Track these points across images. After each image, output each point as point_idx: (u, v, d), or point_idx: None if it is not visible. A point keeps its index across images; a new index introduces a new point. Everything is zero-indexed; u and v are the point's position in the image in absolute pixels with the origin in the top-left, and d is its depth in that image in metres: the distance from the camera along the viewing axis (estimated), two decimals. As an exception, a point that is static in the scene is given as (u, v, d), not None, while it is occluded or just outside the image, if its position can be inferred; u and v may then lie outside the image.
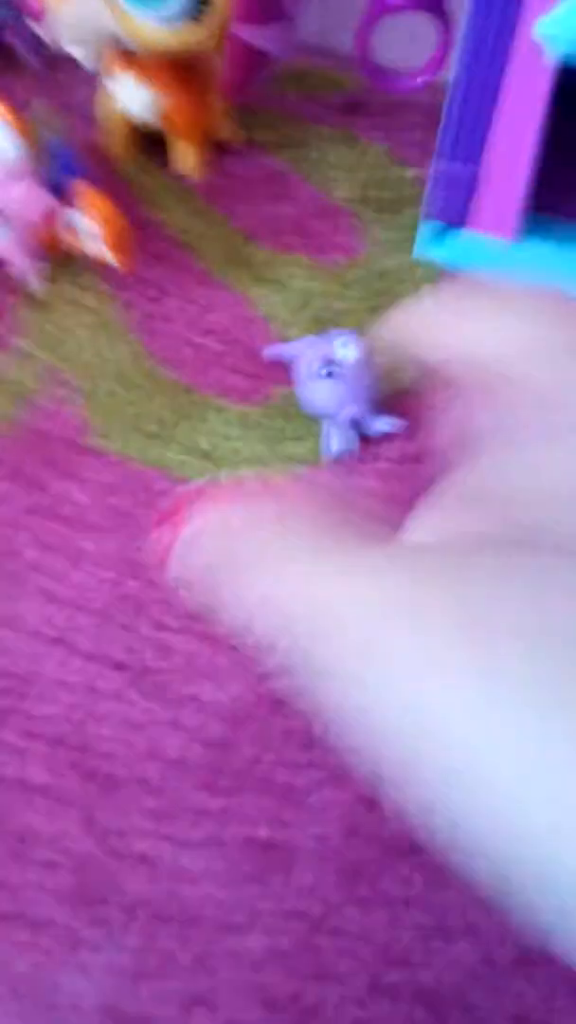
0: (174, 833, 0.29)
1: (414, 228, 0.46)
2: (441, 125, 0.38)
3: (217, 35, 0.38)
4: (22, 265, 0.41)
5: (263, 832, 0.29)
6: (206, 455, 0.38)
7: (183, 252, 0.45)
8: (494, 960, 0.28)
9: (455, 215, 0.42)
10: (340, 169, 0.51)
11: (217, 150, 0.49)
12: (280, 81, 0.53)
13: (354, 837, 0.29)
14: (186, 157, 0.48)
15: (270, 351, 0.40)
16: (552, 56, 0.33)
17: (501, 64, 0.34)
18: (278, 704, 0.31)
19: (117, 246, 0.41)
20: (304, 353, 0.37)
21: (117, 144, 0.49)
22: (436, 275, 0.45)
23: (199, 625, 0.33)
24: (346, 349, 0.35)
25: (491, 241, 0.44)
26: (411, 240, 0.46)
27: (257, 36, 0.38)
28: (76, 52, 0.41)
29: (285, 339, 0.42)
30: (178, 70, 0.42)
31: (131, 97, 0.44)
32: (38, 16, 0.38)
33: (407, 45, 0.45)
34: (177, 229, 0.46)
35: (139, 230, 0.46)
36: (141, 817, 0.29)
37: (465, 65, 0.35)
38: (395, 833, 0.29)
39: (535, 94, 0.35)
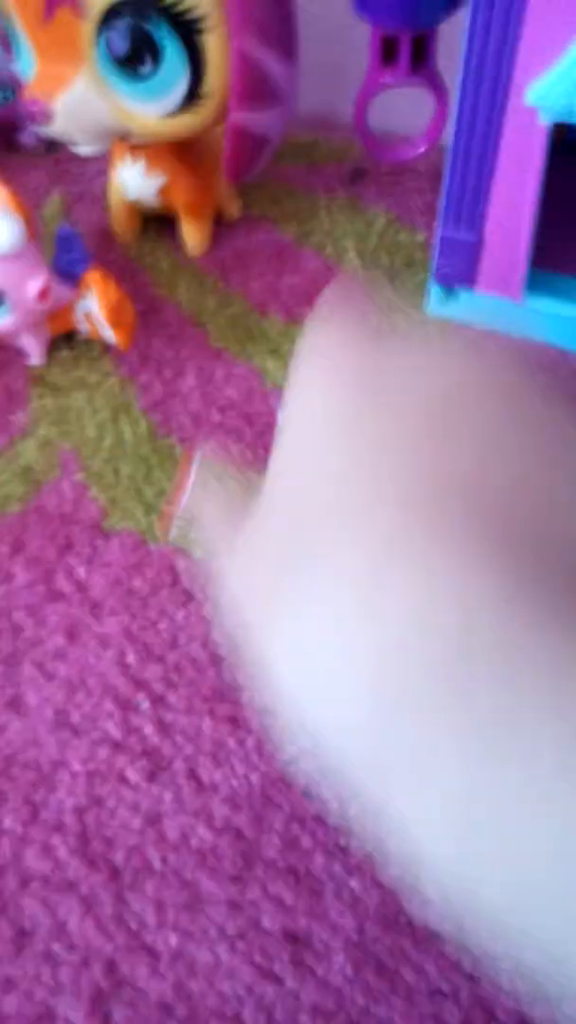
0: (183, 924, 0.28)
1: (424, 291, 0.46)
2: (441, 193, 0.39)
3: (213, 122, 0.39)
4: (26, 345, 0.42)
5: (275, 922, 0.28)
6: (224, 532, 0.38)
7: (196, 329, 0.46)
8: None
9: (461, 278, 0.43)
10: (348, 238, 0.51)
11: (225, 227, 0.50)
12: (284, 155, 0.54)
13: (377, 926, 0.28)
14: (194, 236, 0.49)
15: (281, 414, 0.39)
16: (544, 121, 0.33)
17: (494, 131, 0.35)
18: (287, 785, 0.31)
19: (120, 326, 0.41)
20: None
21: (126, 228, 0.50)
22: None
23: (206, 706, 0.33)
24: None
25: (498, 299, 0.44)
26: (421, 303, 0.47)
27: (253, 121, 0.39)
28: (79, 144, 0.43)
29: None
30: (179, 154, 0.44)
31: (136, 183, 0.45)
32: (40, 119, 0.40)
33: (406, 113, 0.45)
34: (189, 307, 0.47)
35: (152, 311, 0.47)
36: (148, 907, 0.28)
37: (459, 134, 0.35)
38: (421, 921, 0.28)
39: (530, 157, 0.35)
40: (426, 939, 0.28)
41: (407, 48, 0.41)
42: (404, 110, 0.45)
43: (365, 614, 0.14)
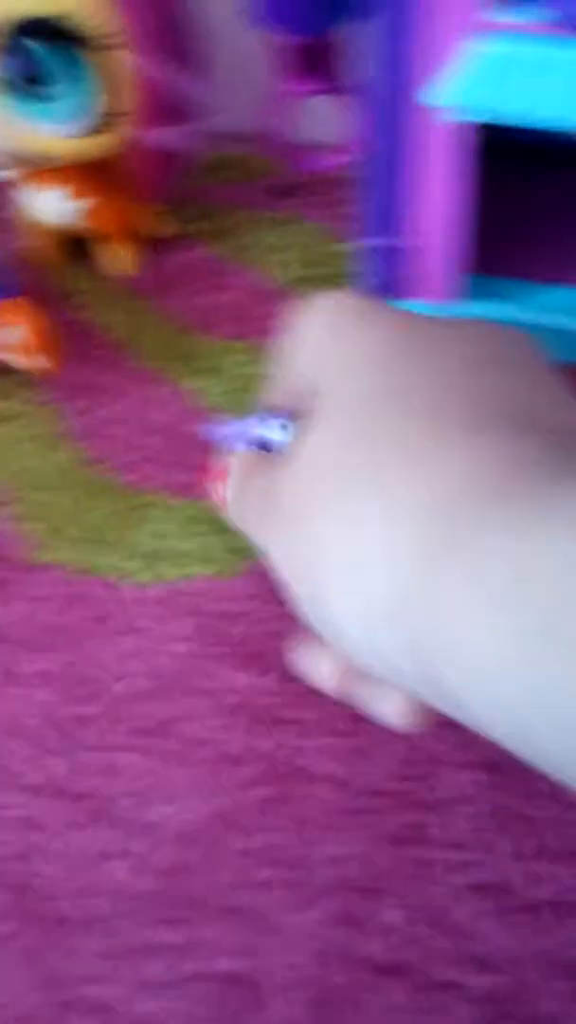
0: (128, 975, 0.26)
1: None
2: (360, 202, 0.38)
3: (123, 141, 0.39)
4: None
5: (226, 965, 0.27)
6: (154, 555, 0.37)
7: (122, 353, 0.45)
8: None
9: (391, 286, 0.42)
10: (276, 252, 0.51)
11: (148, 247, 0.50)
12: (207, 171, 0.54)
13: (328, 961, 0.27)
14: (116, 258, 0.48)
15: (203, 430, 0.37)
16: (447, 120, 0.33)
17: (403, 134, 0.34)
18: (235, 822, 0.29)
19: (49, 352, 0.40)
20: (235, 435, 0.33)
21: (44, 254, 0.49)
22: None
23: (146, 741, 0.31)
24: (284, 432, 0.32)
25: (434, 307, 0.43)
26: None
27: (167, 137, 0.38)
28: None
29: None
30: (93, 175, 0.43)
31: (50, 207, 0.44)
32: None
33: (326, 122, 0.45)
34: (115, 331, 0.46)
35: (76, 335, 0.45)
36: (91, 959, 0.27)
37: (368, 140, 0.35)
38: (373, 952, 0.27)
39: (447, 160, 0.34)
40: (384, 973, 0.26)
41: (316, 56, 0.40)
42: (328, 119, 0.45)
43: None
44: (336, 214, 0.51)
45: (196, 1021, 0.26)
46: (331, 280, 0.48)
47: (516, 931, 0.27)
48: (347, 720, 0.31)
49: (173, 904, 0.28)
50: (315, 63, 0.42)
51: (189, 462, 0.40)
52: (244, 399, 0.42)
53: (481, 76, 0.30)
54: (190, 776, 0.30)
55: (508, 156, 0.43)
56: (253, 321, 0.47)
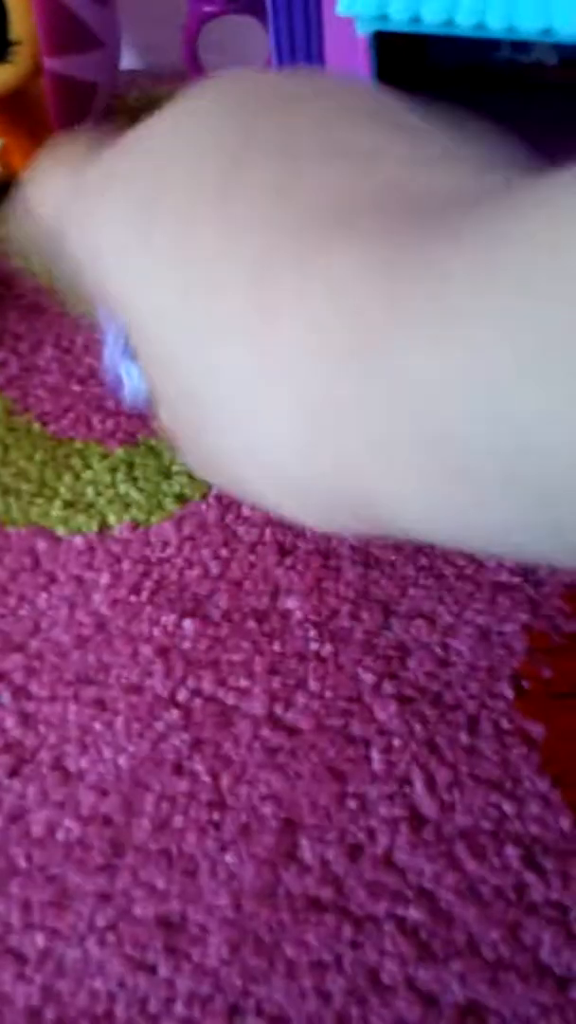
0: (49, 924, 0.26)
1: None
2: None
3: (31, 71, 0.37)
4: None
5: (148, 910, 0.26)
6: (82, 503, 0.36)
7: (45, 299, 0.44)
8: (440, 1008, 0.25)
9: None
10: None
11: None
12: (137, 109, 0.52)
13: (250, 901, 0.26)
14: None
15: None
16: (362, 31, 0.31)
17: (316, 51, 0.32)
18: (156, 768, 0.29)
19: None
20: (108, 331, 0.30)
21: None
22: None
23: (70, 690, 0.31)
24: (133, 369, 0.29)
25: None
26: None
27: (74, 67, 0.36)
28: None
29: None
30: (10, 113, 0.41)
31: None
32: None
33: (243, 47, 0.43)
34: (37, 277, 0.45)
35: (6, 286, 0.44)
36: (12, 910, 0.27)
37: (281, 60, 0.33)
38: (294, 890, 0.26)
39: (357, 72, 0.33)
40: (305, 910, 0.26)
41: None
42: (239, 45, 0.43)
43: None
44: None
45: (116, 967, 0.26)
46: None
47: (435, 862, 0.27)
48: (270, 662, 0.31)
49: (93, 853, 0.28)
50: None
51: (115, 409, 0.39)
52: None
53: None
54: (113, 724, 0.30)
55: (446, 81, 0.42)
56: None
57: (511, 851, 0.27)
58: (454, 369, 0.14)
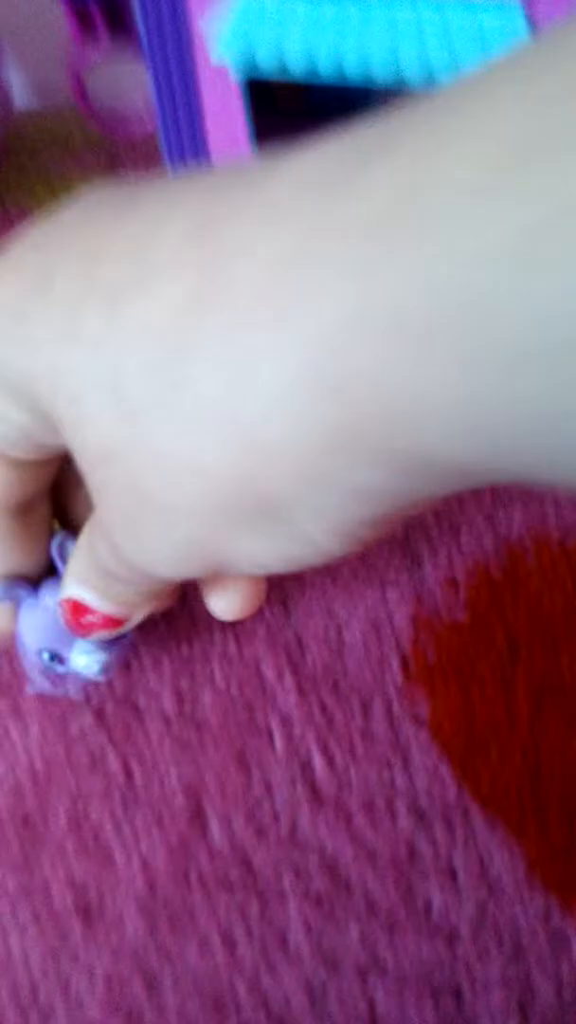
0: None
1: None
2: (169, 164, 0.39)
3: None
4: None
5: (68, 900, 0.28)
6: None
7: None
8: (343, 970, 0.27)
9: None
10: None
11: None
12: (39, 146, 0.54)
13: (168, 883, 0.28)
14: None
15: None
16: (236, 77, 0.34)
17: (192, 95, 0.35)
18: (68, 769, 0.30)
19: None
20: None
21: None
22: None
23: None
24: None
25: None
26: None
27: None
28: None
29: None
30: None
31: None
32: None
33: (130, 88, 0.45)
34: None
35: None
36: None
37: (160, 104, 0.35)
38: (204, 871, 0.28)
39: (235, 121, 0.35)
40: (216, 888, 0.28)
41: (100, 18, 0.40)
42: (132, 83, 0.45)
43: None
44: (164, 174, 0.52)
45: (38, 956, 0.27)
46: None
47: (335, 835, 0.29)
48: (179, 663, 0.33)
49: (13, 851, 0.29)
50: (100, 24, 0.42)
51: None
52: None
53: (246, 27, 0.30)
54: (29, 729, 0.31)
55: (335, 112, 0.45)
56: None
57: (404, 821, 0.29)
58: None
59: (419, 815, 0.29)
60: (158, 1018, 0.26)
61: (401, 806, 0.29)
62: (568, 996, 0.27)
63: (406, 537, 0.36)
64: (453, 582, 0.34)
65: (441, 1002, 0.26)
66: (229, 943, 0.27)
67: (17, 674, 0.33)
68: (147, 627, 0.34)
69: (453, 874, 0.28)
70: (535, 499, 0.37)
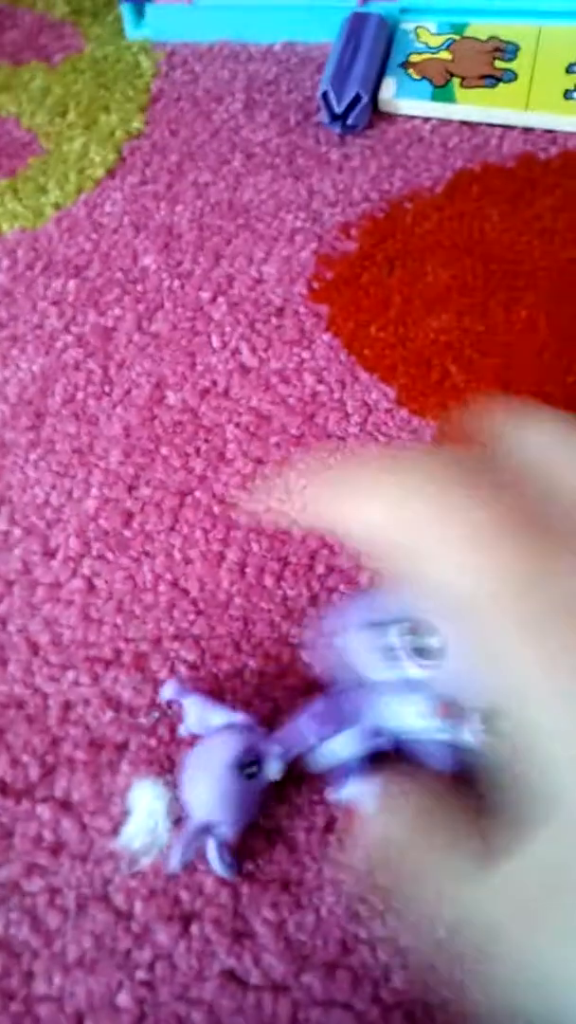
0: None
1: (119, 21, 0.54)
2: None
3: None
4: None
5: (74, 445, 0.39)
6: None
7: None
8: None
9: (139, -9, 0.51)
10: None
11: None
12: None
13: (148, 425, 0.39)
14: None
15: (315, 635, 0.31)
16: None
17: None
18: (65, 368, 0.41)
19: None
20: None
21: None
22: (148, 48, 0.54)
23: None
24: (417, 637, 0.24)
25: (175, 7, 0.52)
26: (122, 30, 0.55)
27: None
28: None
29: (32, 128, 0.50)
30: None
31: None
32: None
33: None
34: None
35: None
36: None
37: None
38: (178, 415, 0.39)
39: None
40: (172, 428, 0.39)
41: None
42: None
43: None
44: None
45: (50, 478, 0.38)
46: (99, 7, 0.57)
47: (258, 393, 0.39)
48: (135, 297, 0.43)
49: (22, 419, 0.39)
50: None
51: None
52: (43, 103, 0.52)
53: None
54: (25, 349, 0.41)
55: None
56: (41, 48, 0.55)
57: (308, 380, 0.39)
58: None
59: (319, 378, 0.40)
60: (140, 510, 0.37)
61: (307, 372, 0.40)
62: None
63: (308, 200, 0.45)
64: (346, 226, 0.44)
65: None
66: (186, 463, 0.38)
67: (12, 315, 0.43)
68: (107, 277, 0.44)
69: (343, 404, 0.39)
70: (412, 171, 0.46)
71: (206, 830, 0.27)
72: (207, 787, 0.26)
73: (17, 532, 0.36)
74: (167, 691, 0.30)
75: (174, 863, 0.27)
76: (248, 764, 0.26)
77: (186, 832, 0.27)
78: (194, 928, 0.28)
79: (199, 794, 0.27)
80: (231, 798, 0.26)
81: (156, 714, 0.32)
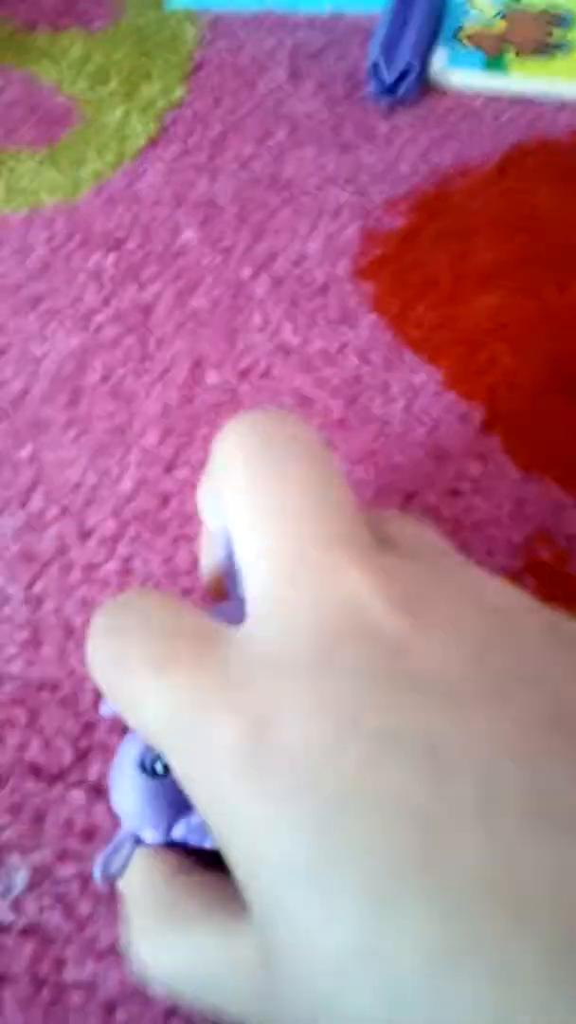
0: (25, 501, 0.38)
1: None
2: None
3: None
4: None
5: (112, 423, 0.38)
6: (24, 190, 0.45)
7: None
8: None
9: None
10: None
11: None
12: None
13: (187, 403, 0.38)
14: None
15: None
16: None
17: None
18: (103, 344, 0.40)
19: None
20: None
21: None
22: (192, 16, 0.52)
23: (27, 306, 0.41)
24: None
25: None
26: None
27: None
28: None
29: (72, 95, 0.49)
30: None
31: None
32: None
33: None
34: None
35: None
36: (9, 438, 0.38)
37: None
38: (217, 396, 0.38)
39: None
40: (210, 409, 0.38)
41: None
42: None
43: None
44: None
45: (86, 458, 0.37)
46: None
47: (299, 375, 0.38)
48: (174, 272, 0.42)
49: (60, 396, 0.39)
50: None
51: (37, 118, 0.48)
52: (83, 71, 0.50)
53: None
54: (64, 323, 0.41)
55: None
56: (80, 15, 0.54)
57: (351, 360, 0.38)
58: None
59: (363, 358, 0.39)
60: (178, 491, 0.36)
61: (350, 353, 0.39)
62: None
63: (354, 174, 0.44)
64: (393, 202, 0.43)
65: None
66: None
67: (52, 288, 0.42)
68: (147, 251, 0.43)
69: (388, 387, 0.38)
70: (464, 145, 0.44)
71: (133, 838, 0.25)
72: (123, 793, 0.25)
73: (53, 511, 0.36)
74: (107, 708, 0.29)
75: (96, 874, 0.24)
76: (154, 760, 0.25)
77: (113, 841, 0.25)
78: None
79: (118, 801, 0.25)
80: (146, 800, 0.25)
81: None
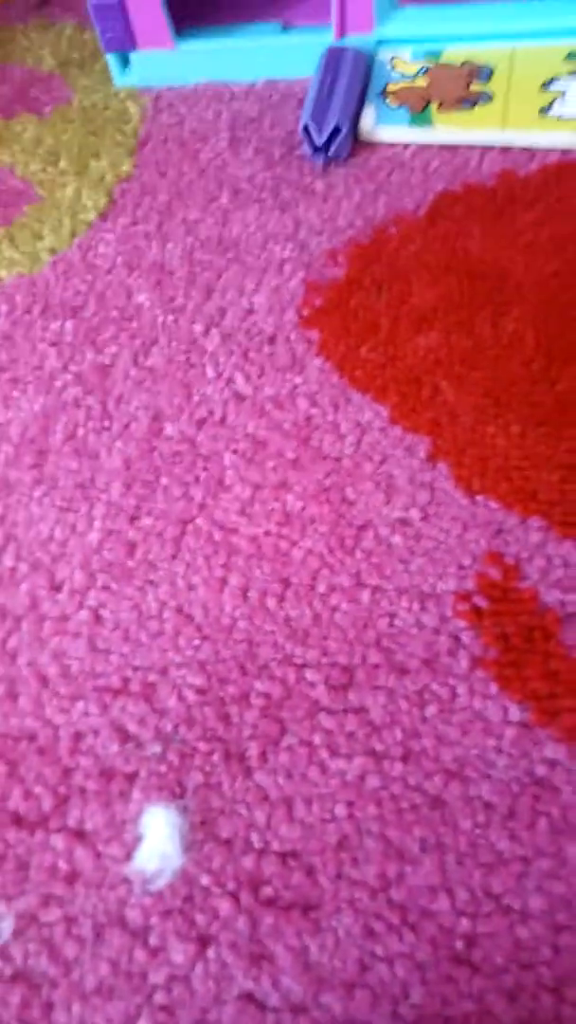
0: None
1: (106, 71, 0.56)
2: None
3: None
4: None
5: (76, 479, 0.39)
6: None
7: None
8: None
9: (122, 41, 0.52)
10: (43, 48, 0.60)
11: None
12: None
13: (147, 456, 0.40)
14: None
15: None
16: None
17: None
18: (65, 406, 0.42)
19: None
20: None
21: None
22: (135, 94, 0.55)
23: None
24: None
25: (159, 54, 0.54)
26: (109, 79, 0.56)
27: None
28: None
29: (27, 177, 0.52)
30: None
31: None
32: None
33: None
34: None
35: None
36: None
37: None
38: (177, 443, 0.40)
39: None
40: (170, 458, 0.39)
41: None
42: None
43: None
44: (87, 11, 0.61)
45: (54, 515, 0.39)
46: (86, 59, 0.59)
47: (253, 418, 0.40)
48: (130, 334, 0.44)
49: (25, 459, 0.40)
50: None
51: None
52: (37, 151, 0.53)
53: None
54: (26, 390, 0.42)
55: None
56: (32, 101, 0.57)
57: (302, 404, 0.40)
58: None
59: (312, 400, 0.40)
60: (142, 540, 0.38)
61: (300, 396, 0.41)
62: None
63: (295, 230, 0.46)
64: (332, 253, 0.45)
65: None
66: (186, 492, 0.39)
67: (12, 358, 0.44)
68: (103, 316, 0.45)
69: (337, 426, 0.39)
70: (395, 195, 0.47)
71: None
72: None
73: (23, 568, 0.37)
74: None
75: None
76: None
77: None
78: (210, 952, 0.28)
79: None
80: None
81: (178, 737, 0.32)
